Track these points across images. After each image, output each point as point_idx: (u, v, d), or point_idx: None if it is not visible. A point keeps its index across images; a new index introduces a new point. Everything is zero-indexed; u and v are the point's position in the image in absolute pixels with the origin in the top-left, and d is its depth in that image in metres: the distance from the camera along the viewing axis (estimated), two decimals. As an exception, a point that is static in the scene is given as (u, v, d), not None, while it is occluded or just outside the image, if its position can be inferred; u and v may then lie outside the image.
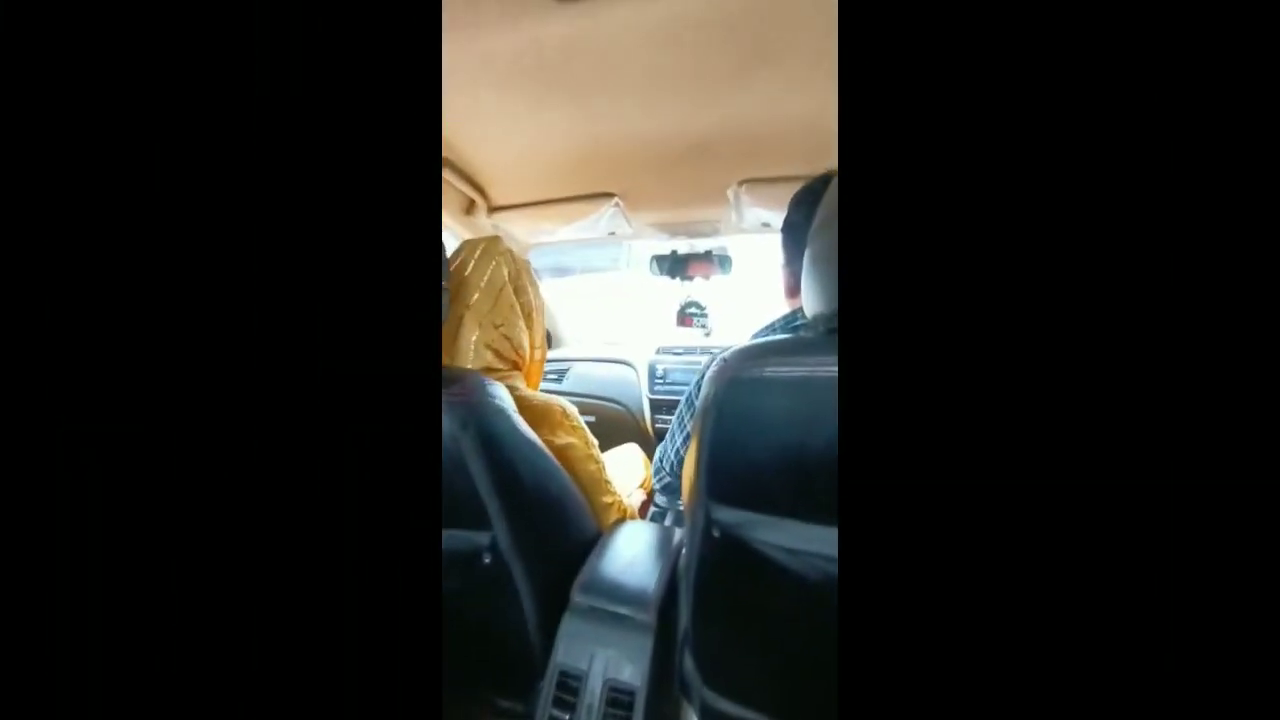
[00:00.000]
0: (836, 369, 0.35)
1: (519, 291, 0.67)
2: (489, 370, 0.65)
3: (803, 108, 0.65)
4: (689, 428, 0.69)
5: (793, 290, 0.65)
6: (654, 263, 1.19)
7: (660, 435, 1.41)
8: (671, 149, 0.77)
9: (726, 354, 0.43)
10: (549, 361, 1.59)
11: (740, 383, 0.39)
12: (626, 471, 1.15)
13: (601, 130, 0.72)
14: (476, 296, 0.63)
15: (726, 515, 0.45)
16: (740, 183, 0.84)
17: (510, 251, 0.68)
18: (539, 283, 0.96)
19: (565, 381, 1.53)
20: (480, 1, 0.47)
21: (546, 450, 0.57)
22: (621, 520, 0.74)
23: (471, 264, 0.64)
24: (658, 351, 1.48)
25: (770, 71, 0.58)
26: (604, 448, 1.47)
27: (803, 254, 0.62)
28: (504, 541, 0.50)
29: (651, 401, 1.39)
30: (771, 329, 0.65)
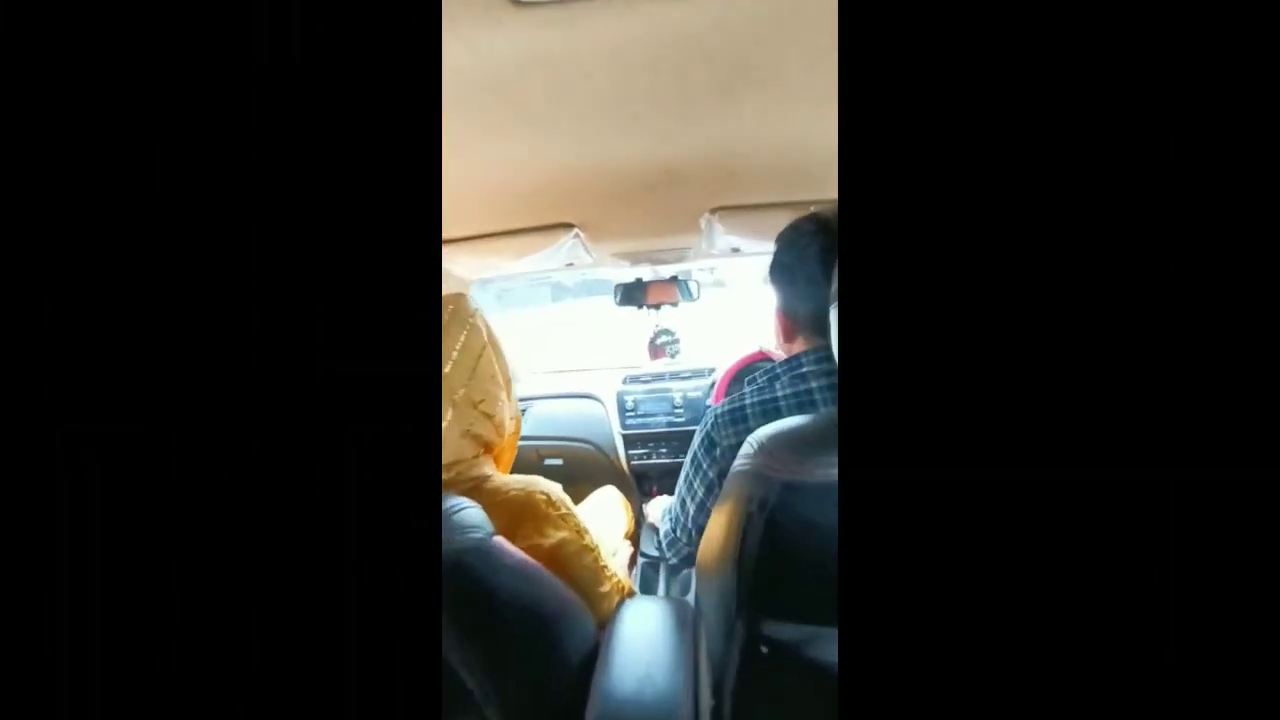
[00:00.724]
0: None
1: (496, 356, 0.55)
2: (455, 464, 0.51)
3: (783, 133, 0.60)
4: (700, 490, 0.60)
5: (790, 334, 0.60)
6: (618, 291, 1.10)
7: (637, 474, 1.31)
8: (641, 176, 0.69)
9: (762, 438, 0.35)
10: (504, 402, 1.44)
11: (800, 490, 0.31)
12: (609, 524, 1.04)
13: (562, 156, 0.63)
14: (448, 369, 0.50)
15: (780, 631, 0.37)
16: (713, 210, 0.78)
17: (480, 311, 0.56)
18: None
19: (526, 424, 1.38)
20: None
21: (535, 566, 0.45)
22: (620, 601, 0.63)
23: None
24: (625, 381, 1.39)
25: (751, 96, 0.53)
26: (577, 493, 1.35)
27: (799, 296, 0.58)
28: (498, 716, 0.37)
29: (625, 437, 1.29)
30: (773, 376, 0.59)
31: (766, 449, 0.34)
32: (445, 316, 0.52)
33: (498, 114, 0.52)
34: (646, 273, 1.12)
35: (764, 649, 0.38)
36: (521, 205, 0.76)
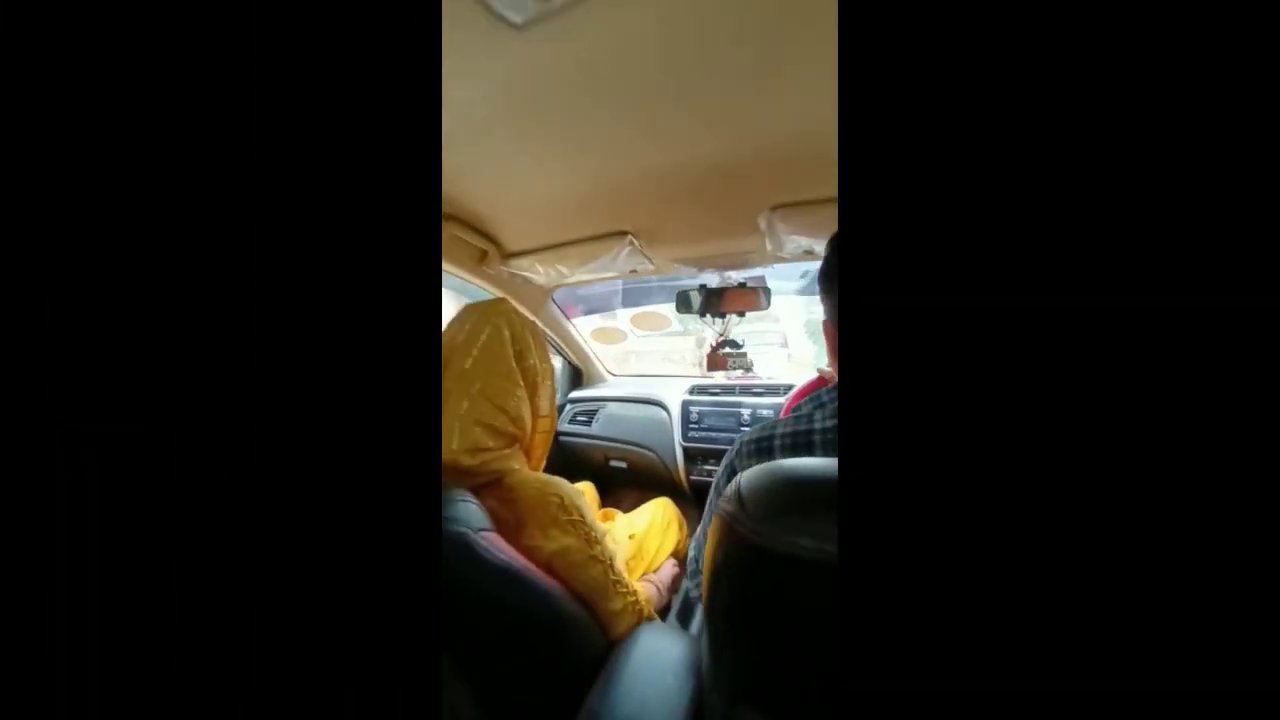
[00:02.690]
0: None
1: (521, 356, 0.58)
2: (479, 451, 0.55)
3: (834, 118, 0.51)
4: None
5: (836, 350, 0.50)
6: (680, 300, 1.07)
7: (696, 489, 1.25)
8: (686, 177, 0.65)
9: (746, 481, 0.30)
10: (580, 402, 1.52)
11: (767, 559, 0.25)
12: (656, 536, 1.02)
13: (601, 163, 0.63)
14: (468, 364, 0.55)
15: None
16: (773, 208, 0.70)
17: (515, 313, 0.60)
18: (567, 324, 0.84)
19: (596, 424, 1.44)
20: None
21: (525, 570, 0.46)
22: (636, 625, 0.60)
23: (465, 331, 0.57)
24: (691, 391, 1.34)
25: (787, 82, 0.46)
26: (637, 499, 1.34)
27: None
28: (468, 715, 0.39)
29: (685, 450, 1.25)
30: (818, 404, 0.50)
31: (743, 497, 0.29)
32: (473, 319, 0.57)
33: (527, 130, 0.55)
34: (713, 279, 1.06)
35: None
36: (573, 215, 0.79)
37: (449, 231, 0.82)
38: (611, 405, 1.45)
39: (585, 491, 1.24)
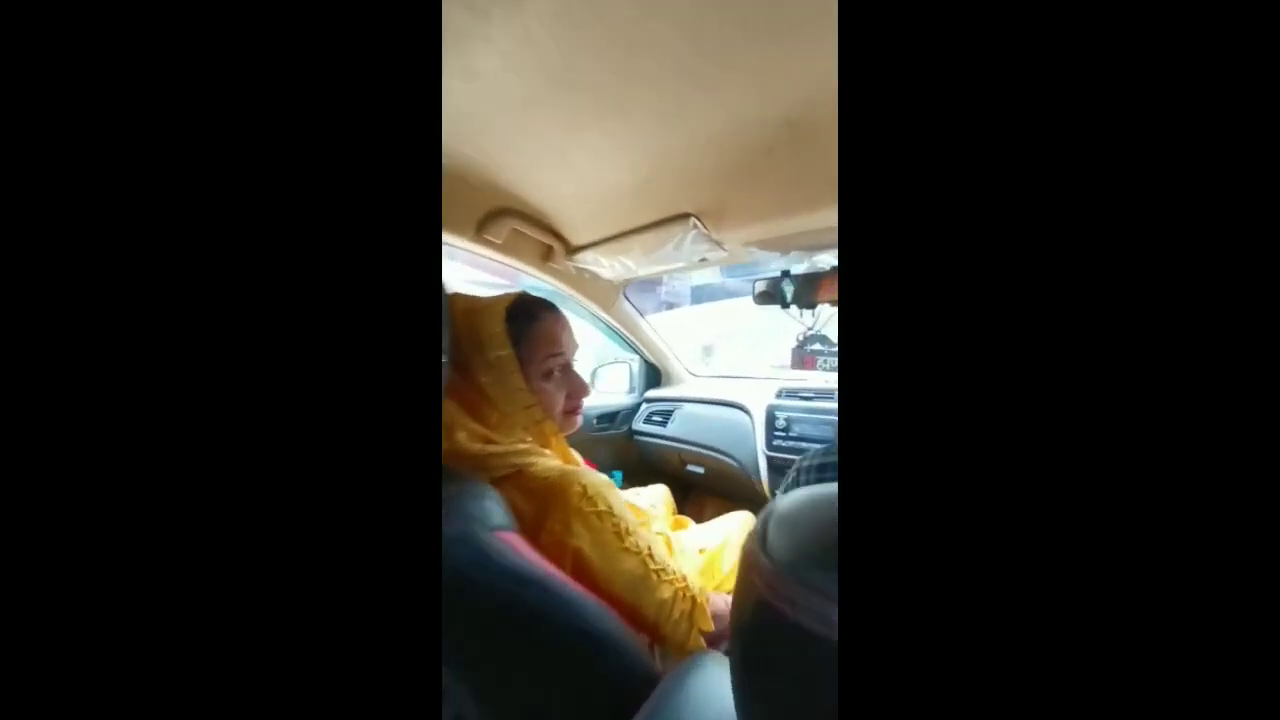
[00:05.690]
0: None
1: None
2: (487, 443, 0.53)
3: None
4: None
5: None
6: (760, 296, 0.94)
7: (782, 504, 1.10)
8: (750, 142, 0.54)
9: (777, 540, 0.21)
10: (656, 401, 1.46)
11: (786, 630, 0.17)
12: (731, 556, 0.91)
13: (651, 136, 0.56)
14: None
15: None
16: None
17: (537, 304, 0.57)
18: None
19: (671, 424, 1.37)
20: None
21: (542, 572, 0.41)
22: (692, 612, 0.51)
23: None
24: (780, 395, 1.18)
25: None
26: (714, 509, 1.25)
27: None
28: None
29: (769, 459, 1.10)
30: None
31: (769, 532, 0.20)
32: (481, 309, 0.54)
33: (571, 107, 0.50)
34: (801, 264, 0.90)
35: None
36: (633, 202, 0.73)
37: (512, 227, 0.83)
38: (689, 405, 1.37)
39: (660, 496, 1.19)
